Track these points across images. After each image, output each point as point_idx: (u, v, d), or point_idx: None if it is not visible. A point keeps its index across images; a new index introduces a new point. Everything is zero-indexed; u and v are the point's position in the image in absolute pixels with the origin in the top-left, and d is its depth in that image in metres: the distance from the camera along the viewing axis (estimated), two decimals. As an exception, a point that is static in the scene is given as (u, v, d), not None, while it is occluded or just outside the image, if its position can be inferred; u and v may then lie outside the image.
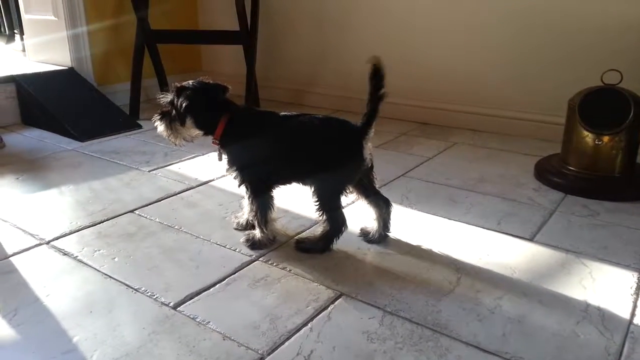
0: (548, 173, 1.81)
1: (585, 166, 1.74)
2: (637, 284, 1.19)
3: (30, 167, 1.99)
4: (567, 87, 1.87)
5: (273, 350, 0.98)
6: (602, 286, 1.18)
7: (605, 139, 1.69)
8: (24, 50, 3.26)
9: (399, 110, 2.65)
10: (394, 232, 1.41)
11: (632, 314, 1.08)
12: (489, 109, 2.41)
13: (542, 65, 2.24)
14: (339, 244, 1.34)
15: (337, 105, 2.87)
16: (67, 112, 2.44)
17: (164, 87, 2.96)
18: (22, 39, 3.38)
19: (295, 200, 1.65)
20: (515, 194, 1.71)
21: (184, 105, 1.27)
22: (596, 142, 1.70)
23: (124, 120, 2.54)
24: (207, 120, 1.31)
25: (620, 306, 1.10)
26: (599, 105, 1.70)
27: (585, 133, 1.72)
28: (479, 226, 1.48)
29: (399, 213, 1.54)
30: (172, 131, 1.33)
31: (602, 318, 1.06)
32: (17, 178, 1.87)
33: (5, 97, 2.53)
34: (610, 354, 0.96)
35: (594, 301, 1.12)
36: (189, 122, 1.31)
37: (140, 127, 2.52)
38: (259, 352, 0.98)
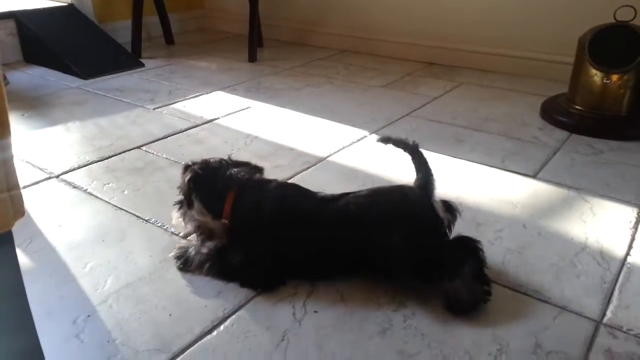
0: (554, 112, 1.79)
1: (592, 105, 1.72)
2: (636, 218, 1.21)
3: (35, 104, 1.99)
4: (579, 25, 1.82)
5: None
6: (602, 220, 1.20)
7: (614, 77, 1.67)
8: (21, -15, 3.18)
9: (405, 49, 2.60)
10: (397, 171, 1.42)
11: (630, 246, 1.10)
12: (498, 48, 2.36)
13: (553, 2, 2.17)
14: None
15: (344, 46, 2.82)
16: (69, 50, 2.40)
17: (165, 25, 2.90)
18: (19, -26, 3.28)
19: (300, 137, 1.66)
20: (521, 132, 1.71)
21: (188, 182, 1.05)
22: (604, 81, 1.68)
23: (127, 59, 2.50)
24: (213, 199, 1.04)
25: (618, 239, 1.13)
26: (610, 44, 1.67)
27: (594, 71, 1.69)
28: (483, 164, 1.49)
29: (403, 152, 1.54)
30: (183, 216, 1.10)
31: (600, 250, 1.09)
32: (23, 114, 1.87)
33: (6, 34, 2.50)
34: (605, 282, 0.99)
35: (593, 234, 1.14)
36: (196, 203, 1.05)
37: (142, 65, 2.49)
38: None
